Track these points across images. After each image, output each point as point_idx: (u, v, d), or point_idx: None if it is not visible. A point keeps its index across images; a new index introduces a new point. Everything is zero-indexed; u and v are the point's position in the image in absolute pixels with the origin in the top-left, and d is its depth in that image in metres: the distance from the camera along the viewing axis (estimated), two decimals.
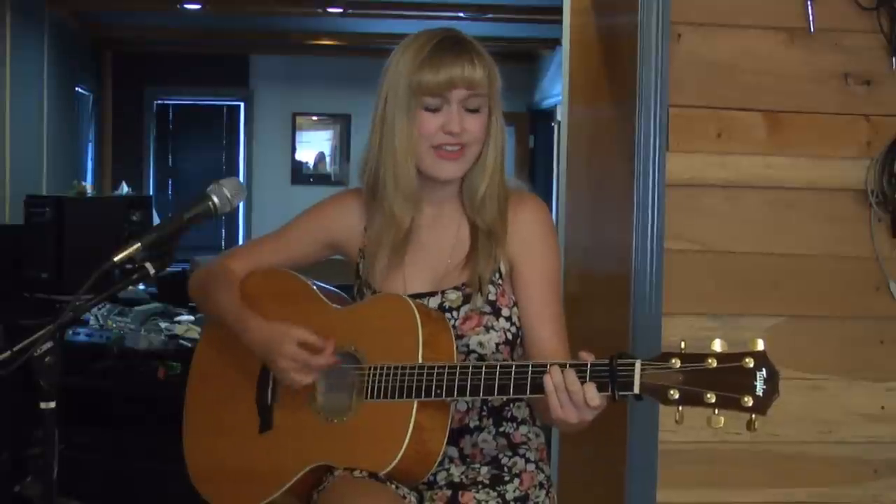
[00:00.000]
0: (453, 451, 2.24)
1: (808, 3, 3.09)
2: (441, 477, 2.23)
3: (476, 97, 2.20)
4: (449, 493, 2.20)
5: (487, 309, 2.24)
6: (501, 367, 2.04)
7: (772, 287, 3.15)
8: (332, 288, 2.41)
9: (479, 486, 2.22)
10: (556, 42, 8.25)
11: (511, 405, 2.29)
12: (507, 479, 2.24)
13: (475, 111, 2.21)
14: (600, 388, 1.93)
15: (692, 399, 1.86)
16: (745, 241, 3.14)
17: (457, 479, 2.23)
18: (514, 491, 2.23)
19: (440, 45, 2.20)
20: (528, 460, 2.28)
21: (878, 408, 3.19)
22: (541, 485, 2.28)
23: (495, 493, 2.21)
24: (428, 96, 2.19)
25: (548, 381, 1.97)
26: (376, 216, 2.30)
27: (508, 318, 2.25)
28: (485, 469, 2.25)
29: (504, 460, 2.27)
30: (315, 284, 2.38)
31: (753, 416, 1.84)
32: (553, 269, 2.28)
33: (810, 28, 3.10)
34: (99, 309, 5.08)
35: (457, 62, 2.18)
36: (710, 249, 3.13)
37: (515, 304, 2.26)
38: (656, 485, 3.10)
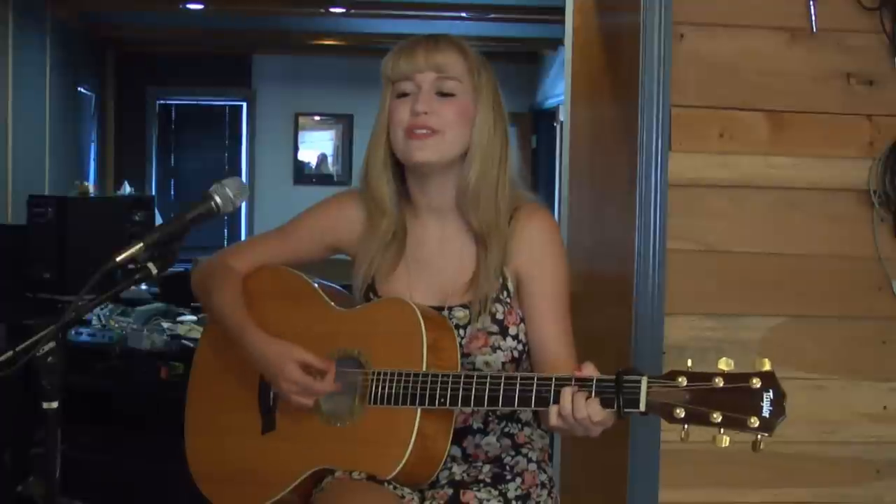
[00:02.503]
0: (456, 451, 2.23)
1: (811, 3, 3.08)
2: (443, 476, 2.22)
3: (448, 80, 2.22)
4: (450, 491, 2.20)
5: (495, 329, 2.23)
6: (506, 378, 2.04)
7: (774, 287, 3.15)
8: (335, 286, 2.41)
9: (481, 485, 2.21)
10: (558, 42, 8.25)
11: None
12: (508, 477, 2.24)
13: (449, 96, 2.22)
14: (606, 404, 1.93)
15: (698, 418, 1.86)
16: (747, 242, 3.14)
17: (458, 478, 2.23)
18: (516, 490, 2.23)
19: (415, 38, 2.27)
20: (530, 460, 2.28)
21: (881, 408, 3.18)
22: (542, 484, 2.27)
23: (497, 492, 2.21)
24: (397, 81, 2.24)
25: (553, 414, 1.98)
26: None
27: (515, 337, 2.24)
28: (487, 467, 2.25)
29: (506, 459, 2.26)
30: (318, 283, 2.37)
31: (759, 436, 1.84)
32: (562, 285, 2.27)
33: (812, 28, 3.10)
34: (101, 309, 5.07)
35: (422, 47, 2.23)
36: (712, 249, 3.13)
37: (523, 319, 2.26)
38: (658, 485, 3.10)
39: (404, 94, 2.24)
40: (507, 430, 2.27)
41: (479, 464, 2.25)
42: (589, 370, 1.97)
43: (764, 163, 3.13)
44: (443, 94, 2.22)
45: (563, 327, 2.25)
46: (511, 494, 2.22)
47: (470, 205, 2.25)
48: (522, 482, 2.24)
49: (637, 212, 3.09)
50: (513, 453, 2.27)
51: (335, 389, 2.18)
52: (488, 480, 2.23)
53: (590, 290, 3.46)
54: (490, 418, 2.26)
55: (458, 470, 2.24)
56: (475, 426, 2.25)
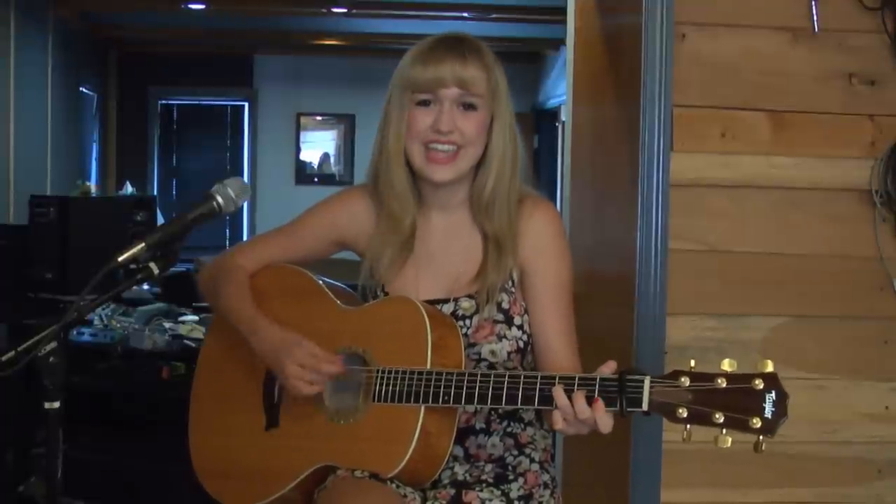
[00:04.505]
0: (458, 451, 2.23)
1: (812, 3, 3.08)
2: (445, 475, 2.23)
3: (470, 96, 2.20)
4: (453, 491, 2.20)
5: (500, 317, 2.23)
6: (510, 377, 2.04)
7: (776, 287, 3.15)
8: (341, 285, 2.41)
9: (484, 485, 2.21)
10: (560, 42, 8.26)
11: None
12: (511, 477, 2.24)
13: (470, 110, 2.20)
14: (608, 404, 1.93)
15: (700, 418, 1.86)
16: (749, 241, 3.14)
17: (461, 478, 2.23)
18: (519, 490, 2.22)
19: (437, 43, 2.22)
20: (532, 460, 2.28)
21: (883, 408, 3.19)
22: (545, 485, 2.27)
23: (499, 492, 2.21)
24: (418, 92, 2.20)
25: (558, 418, 1.98)
26: (382, 214, 2.31)
27: (520, 327, 2.25)
28: (489, 467, 2.25)
29: (509, 459, 2.27)
30: (324, 281, 2.38)
31: (761, 437, 1.84)
32: (565, 279, 2.27)
33: (814, 28, 3.10)
34: (103, 309, 5.07)
35: (447, 59, 2.18)
36: (714, 249, 3.13)
37: (527, 311, 2.26)
38: (660, 485, 3.10)
39: (424, 102, 2.21)
40: (509, 429, 2.27)
41: (482, 464, 2.25)
42: (608, 369, 1.97)
43: (765, 163, 3.13)
44: (465, 107, 2.21)
45: (566, 322, 2.26)
46: (514, 495, 2.21)
47: (484, 213, 2.25)
48: (525, 482, 2.24)
49: (639, 212, 3.09)
50: (515, 453, 2.27)
51: (343, 372, 2.18)
52: (491, 480, 2.22)
53: (591, 290, 3.46)
54: (492, 418, 2.26)
55: (460, 470, 2.24)
56: (478, 426, 2.25)
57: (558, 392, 1.96)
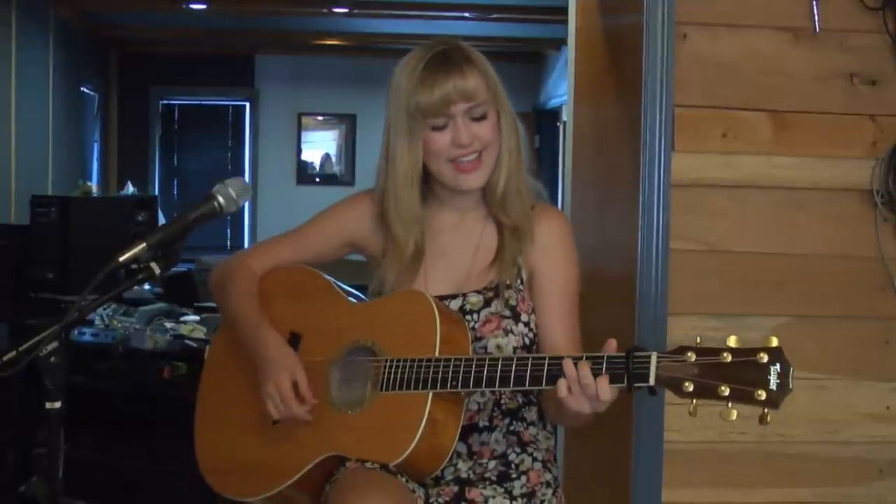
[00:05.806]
0: (462, 448, 2.24)
1: (814, 3, 3.08)
2: (448, 472, 2.24)
3: (477, 106, 2.23)
4: (456, 488, 2.21)
5: (507, 313, 2.26)
6: (518, 359, 2.06)
7: (777, 287, 3.15)
8: (349, 289, 2.43)
9: (487, 483, 2.22)
10: (561, 42, 8.26)
11: (523, 408, 2.30)
12: (514, 475, 2.25)
13: (481, 118, 2.24)
14: (616, 380, 1.96)
15: (706, 392, 1.88)
16: (749, 241, 3.14)
17: (464, 475, 2.24)
18: (522, 487, 2.23)
19: (430, 64, 2.23)
20: (535, 459, 2.29)
21: (884, 408, 3.18)
22: (547, 483, 2.28)
23: (502, 490, 2.21)
24: (430, 117, 2.22)
25: (562, 386, 1.99)
26: (388, 236, 2.33)
27: (527, 324, 2.27)
28: (492, 464, 2.26)
29: (512, 457, 2.27)
30: (333, 282, 2.40)
31: (766, 409, 1.85)
32: (572, 281, 2.31)
33: (815, 28, 3.10)
34: (104, 309, 5.08)
35: (448, 77, 2.21)
36: (715, 249, 3.13)
37: (534, 310, 2.28)
38: (662, 484, 3.10)
39: (438, 127, 2.23)
40: (512, 427, 2.28)
41: (485, 461, 2.26)
42: (610, 347, 1.99)
43: (767, 163, 3.13)
44: (473, 118, 2.24)
45: (571, 324, 2.29)
46: (516, 492, 2.22)
47: (499, 206, 2.29)
48: (528, 481, 2.25)
49: (640, 212, 3.09)
50: (518, 450, 2.28)
51: (305, 419, 2.21)
52: (494, 478, 2.23)
53: (593, 290, 3.45)
54: (495, 414, 2.27)
55: (463, 467, 2.25)
56: (481, 424, 2.26)
57: (567, 362, 1.98)
